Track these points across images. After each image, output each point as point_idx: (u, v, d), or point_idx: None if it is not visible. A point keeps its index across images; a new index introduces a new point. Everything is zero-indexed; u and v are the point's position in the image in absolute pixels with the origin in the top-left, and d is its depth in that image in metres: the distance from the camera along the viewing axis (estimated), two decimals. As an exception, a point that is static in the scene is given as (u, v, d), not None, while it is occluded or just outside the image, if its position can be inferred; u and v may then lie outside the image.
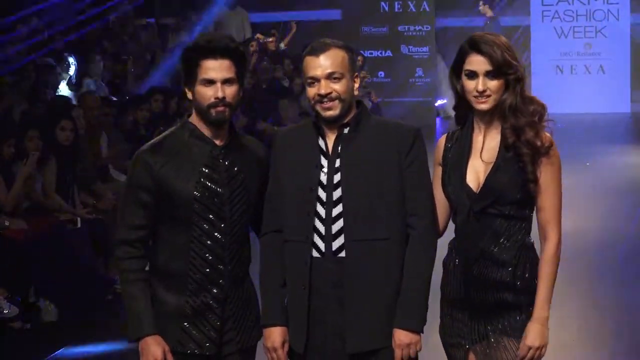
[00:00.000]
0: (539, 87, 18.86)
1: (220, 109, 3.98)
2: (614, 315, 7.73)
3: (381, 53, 18.96)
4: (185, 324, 4.01)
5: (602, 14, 19.68)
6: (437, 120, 18.21)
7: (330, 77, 3.94)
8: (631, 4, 19.26)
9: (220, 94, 3.95)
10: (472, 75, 3.90)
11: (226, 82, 3.97)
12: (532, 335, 3.89)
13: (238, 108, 4.08)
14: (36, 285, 7.98)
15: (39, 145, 8.39)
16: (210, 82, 3.96)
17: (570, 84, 19.54)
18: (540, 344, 3.89)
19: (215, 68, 3.96)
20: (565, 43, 19.81)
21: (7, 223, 7.95)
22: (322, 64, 3.95)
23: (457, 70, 3.95)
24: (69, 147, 8.79)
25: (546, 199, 3.93)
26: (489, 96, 3.89)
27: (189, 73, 4.01)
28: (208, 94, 3.97)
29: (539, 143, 3.87)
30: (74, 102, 10.30)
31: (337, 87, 3.95)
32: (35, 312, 7.90)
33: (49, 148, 8.54)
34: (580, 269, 8.61)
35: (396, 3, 18.87)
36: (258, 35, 16.19)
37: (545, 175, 3.91)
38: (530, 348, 3.88)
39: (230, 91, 3.98)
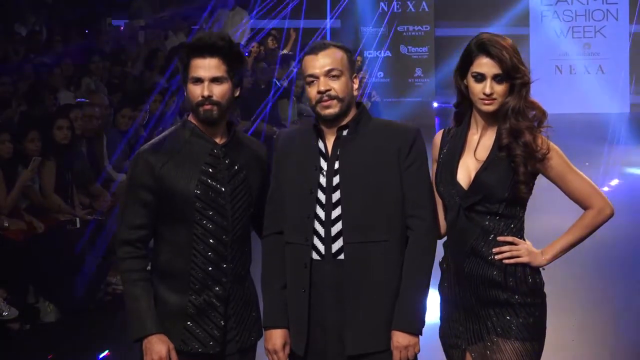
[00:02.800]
0: (537, 87, 18.83)
1: (208, 107, 3.98)
2: (614, 314, 7.73)
3: (380, 53, 18.96)
4: (189, 323, 4.01)
5: (601, 13, 19.67)
6: (437, 120, 18.19)
7: (328, 74, 3.95)
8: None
9: (206, 93, 3.96)
10: (480, 77, 3.90)
11: (214, 80, 3.97)
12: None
13: (231, 107, 4.08)
14: (35, 286, 7.98)
15: (39, 147, 8.38)
16: (198, 80, 3.97)
17: (569, 84, 19.53)
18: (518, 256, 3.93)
19: (204, 66, 3.97)
20: (565, 43, 19.79)
21: (6, 224, 7.94)
22: (321, 61, 3.96)
23: (462, 70, 3.95)
24: (67, 146, 8.78)
25: (569, 183, 3.97)
26: (495, 99, 3.90)
27: (184, 72, 4.03)
28: (196, 92, 3.98)
29: (535, 147, 3.88)
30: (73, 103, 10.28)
31: (336, 85, 3.95)
32: (34, 313, 7.89)
33: (48, 148, 8.53)
34: (580, 269, 8.60)
35: (395, 3, 18.87)
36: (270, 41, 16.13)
37: (552, 169, 3.95)
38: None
39: (218, 90, 3.98)
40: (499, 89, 3.89)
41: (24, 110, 10.03)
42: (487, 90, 3.88)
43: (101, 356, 7.00)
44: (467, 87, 3.95)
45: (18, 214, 8.14)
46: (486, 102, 3.90)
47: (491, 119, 3.96)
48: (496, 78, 3.89)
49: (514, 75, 3.88)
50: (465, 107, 4.02)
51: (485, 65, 3.89)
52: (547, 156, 3.91)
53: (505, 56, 3.86)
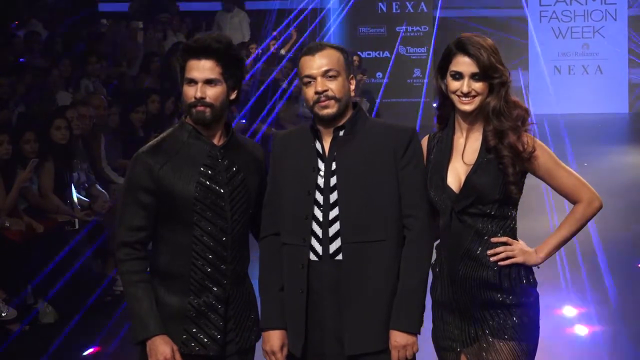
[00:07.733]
0: (536, 87, 18.87)
1: (200, 108, 4.00)
2: (613, 313, 7.73)
3: (379, 54, 18.96)
4: (189, 324, 4.01)
5: (600, 14, 19.69)
6: (435, 121, 18.20)
7: (325, 74, 3.96)
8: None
9: (198, 94, 3.98)
10: (458, 76, 3.93)
11: (208, 82, 3.99)
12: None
13: (227, 109, 4.09)
14: (34, 287, 7.97)
15: (36, 148, 8.37)
16: (192, 81, 4.00)
17: (568, 84, 19.54)
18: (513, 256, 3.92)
19: (198, 68, 3.99)
20: (563, 43, 19.81)
21: (7, 224, 7.93)
22: (318, 62, 3.97)
23: (442, 70, 3.97)
24: (65, 146, 8.77)
25: (557, 179, 3.99)
26: (474, 97, 3.92)
27: (180, 73, 4.05)
28: (190, 93, 4.01)
29: (520, 147, 3.89)
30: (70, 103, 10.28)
31: (333, 85, 3.96)
32: (33, 314, 7.88)
33: (46, 149, 8.52)
34: (579, 268, 8.61)
35: (394, 4, 18.86)
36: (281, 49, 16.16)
37: (539, 167, 3.96)
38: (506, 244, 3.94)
39: (211, 92, 4.00)
40: (477, 87, 3.91)
41: (22, 111, 10.03)
42: (465, 89, 3.90)
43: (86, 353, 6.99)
44: (447, 86, 3.96)
45: (17, 215, 8.13)
46: (464, 100, 3.92)
47: (474, 121, 3.98)
48: (474, 77, 3.91)
49: (492, 74, 3.90)
50: (447, 108, 4.04)
51: (463, 63, 3.91)
52: (533, 155, 3.93)
53: (483, 55, 3.88)
